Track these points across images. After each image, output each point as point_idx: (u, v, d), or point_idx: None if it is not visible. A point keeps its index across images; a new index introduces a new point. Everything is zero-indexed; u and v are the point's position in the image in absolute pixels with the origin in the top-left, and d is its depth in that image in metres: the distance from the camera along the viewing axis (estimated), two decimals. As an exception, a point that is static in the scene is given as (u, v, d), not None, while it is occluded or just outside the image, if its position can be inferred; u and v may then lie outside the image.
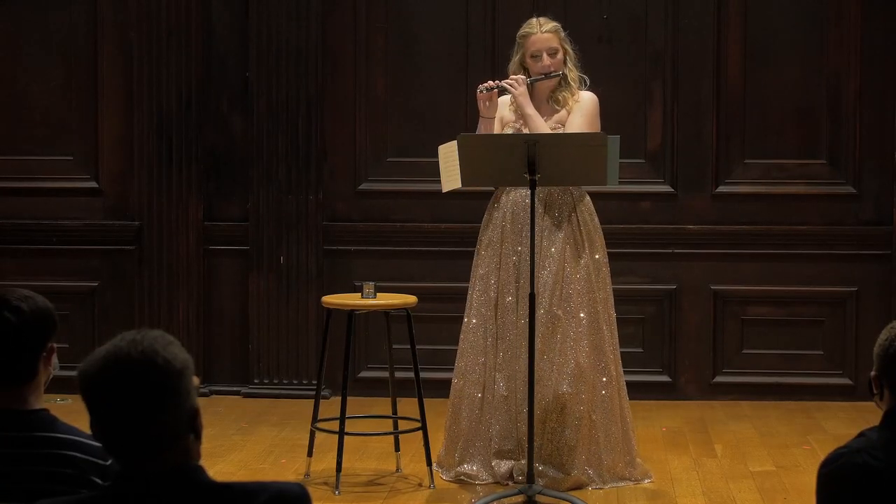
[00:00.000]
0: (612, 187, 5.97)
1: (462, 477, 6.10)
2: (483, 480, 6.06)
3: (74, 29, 8.10)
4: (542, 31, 6.17)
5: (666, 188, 8.00)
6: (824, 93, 7.92)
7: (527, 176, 5.63)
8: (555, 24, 6.23)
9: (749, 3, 7.91)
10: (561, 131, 6.11)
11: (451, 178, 6.05)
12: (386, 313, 6.29)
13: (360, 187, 8.10)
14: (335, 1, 8.02)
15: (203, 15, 8.00)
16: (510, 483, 6.00)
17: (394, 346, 6.35)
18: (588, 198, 6.17)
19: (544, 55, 6.15)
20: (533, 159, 5.60)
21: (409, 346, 6.14)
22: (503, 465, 6.06)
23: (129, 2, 7.99)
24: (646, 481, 6.13)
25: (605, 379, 6.07)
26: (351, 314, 6.14)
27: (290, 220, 7.99)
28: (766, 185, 7.96)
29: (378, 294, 6.15)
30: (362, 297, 6.14)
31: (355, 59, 8.06)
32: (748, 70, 7.93)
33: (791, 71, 7.92)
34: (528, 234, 5.87)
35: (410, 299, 6.19)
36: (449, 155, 6.06)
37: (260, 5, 7.94)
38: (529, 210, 5.77)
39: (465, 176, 5.81)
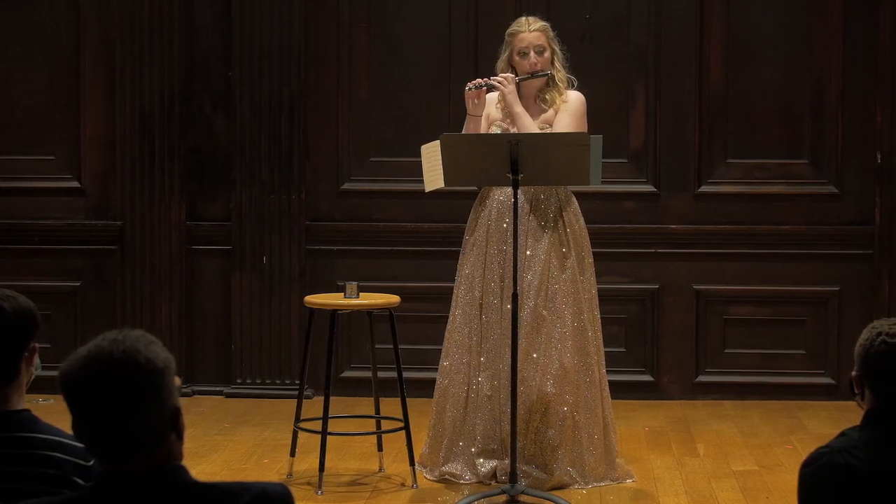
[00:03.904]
0: (595, 187, 5.97)
1: (446, 476, 6.10)
2: (467, 480, 6.06)
3: (57, 28, 8.07)
4: (530, 30, 6.18)
5: (648, 188, 8.00)
6: (807, 93, 7.93)
7: (510, 175, 5.63)
8: (543, 23, 6.25)
9: (731, 2, 7.92)
10: (548, 131, 6.11)
11: (433, 177, 6.05)
12: (369, 313, 6.29)
13: (343, 187, 8.09)
14: (318, 0, 8.02)
15: (186, 14, 7.98)
16: (493, 483, 6.00)
17: (377, 346, 6.35)
18: (575, 200, 6.17)
19: (532, 53, 6.15)
20: (516, 159, 5.60)
21: (391, 346, 6.14)
22: (487, 465, 6.06)
23: (112, 1, 7.97)
24: (628, 481, 6.14)
25: (588, 380, 6.07)
26: (334, 314, 6.14)
27: (273, 219, 7.97)
28: (749, 184, 7.97)
29: (361, 294, 6.15)
30: (345, 296, 6.13)
31: (338, 59, 8.05)
32: (731, 70, 7.93)
33: (774, 71, 7.93)
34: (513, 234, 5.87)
35: (393, 299, 6.19)
36: (432, 155, 6.06)
37: (243, 5, 7.92)
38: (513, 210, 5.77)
39: (448, 176, 5.80)
